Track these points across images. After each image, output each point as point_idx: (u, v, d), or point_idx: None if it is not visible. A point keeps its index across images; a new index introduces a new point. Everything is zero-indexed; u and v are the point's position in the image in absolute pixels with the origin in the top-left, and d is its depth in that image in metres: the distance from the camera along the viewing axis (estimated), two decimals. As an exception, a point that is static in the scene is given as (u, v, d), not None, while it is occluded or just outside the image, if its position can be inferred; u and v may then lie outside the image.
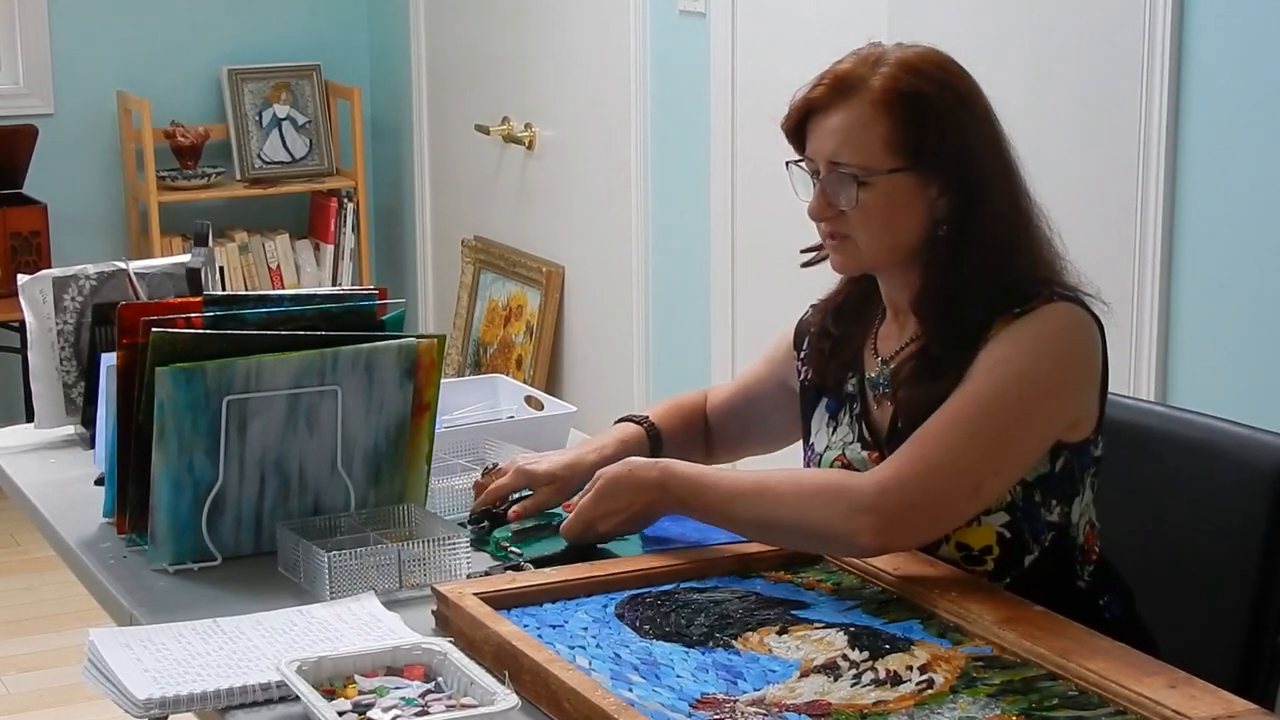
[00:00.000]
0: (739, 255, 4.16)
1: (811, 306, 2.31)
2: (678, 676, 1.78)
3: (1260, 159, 2.84)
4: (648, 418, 2.36)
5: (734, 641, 1.87)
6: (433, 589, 2.00)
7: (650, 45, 4.44)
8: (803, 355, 2.28)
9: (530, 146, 5.06)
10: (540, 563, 2.12)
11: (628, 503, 2.10)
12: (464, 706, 1.72)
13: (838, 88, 2.07)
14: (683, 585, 2.02)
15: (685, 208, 4.36)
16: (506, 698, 1.70)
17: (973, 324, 2.04)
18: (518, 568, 2.11)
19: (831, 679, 1.78)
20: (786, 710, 1.71)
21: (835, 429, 2.20)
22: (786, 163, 2.14)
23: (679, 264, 4.42)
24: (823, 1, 3.82)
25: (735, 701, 1.73)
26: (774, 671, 1.80)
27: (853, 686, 1.76)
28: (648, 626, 1.91)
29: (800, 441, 2.32)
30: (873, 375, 2.17)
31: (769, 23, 4.00)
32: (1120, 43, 3.02)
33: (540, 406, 2.71)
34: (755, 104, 4.06)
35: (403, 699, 1.74)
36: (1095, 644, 1.80)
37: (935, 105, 2.05)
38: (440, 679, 1.79)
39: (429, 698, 1.74)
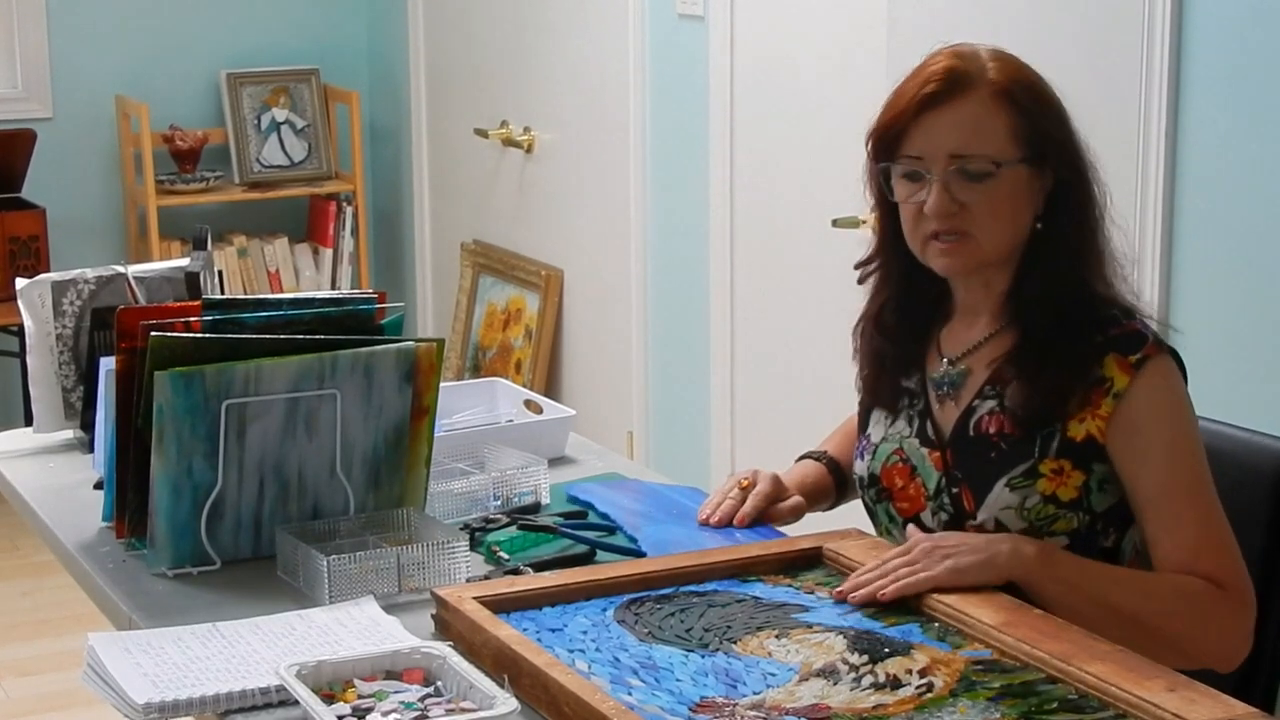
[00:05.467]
0: (738, 258, 4.16)
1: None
2: (677, 680, 1.78)
3: (1260, 161, 2.84)
4: (825, 452, 2.38)
5: (733, 645, 1.87)
6: (432, 593, 1.99)
7: (649, 48, 4.44)
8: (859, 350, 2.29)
9: (529, 150, 5.06)
10: (538, 567, 2.13)
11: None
12: (463, 710, 1.72)
13: (954, 81, 2.06)
14: (682, 589, 2.02)
15: (684, 211, 4.36)
16: (506, 701, 1.69)
17: (1072, 334, 2.05)
18: (516, 571, 2.11)
19: (831, 683, 1.78)
20: (786, 714, 1.71)
21: (893, 422, 2.21)
22: (880, 166, 2.12)
23: (678, 267, 4.42)
24: (821, 3, 3.82)
25: (735, 705, 1.73)
26: (773, 675, 1.79)
27: (852, 690, 1.76)
28: (647, 630, 1.91)
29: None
30: (936, 375, 2.17)
31: (767, 26, 4.00)
32: (1119, 43, 3.02)
33: (539, 410, 2.71)
34: (754, 107, 4.06)
35: (402, 703, 1.74)
36: (1095, 647, 1.80)
37: (1045, 95, 2.08)
38: (439, 683, 1.79)
39: (428, 702, 1.74)
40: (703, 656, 1.84)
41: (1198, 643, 1.98)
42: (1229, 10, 2.88)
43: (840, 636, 1.88)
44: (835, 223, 3.67)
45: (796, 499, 2.29)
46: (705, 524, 2.25)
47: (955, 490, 2.11)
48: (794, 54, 3.92)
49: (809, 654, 1.84)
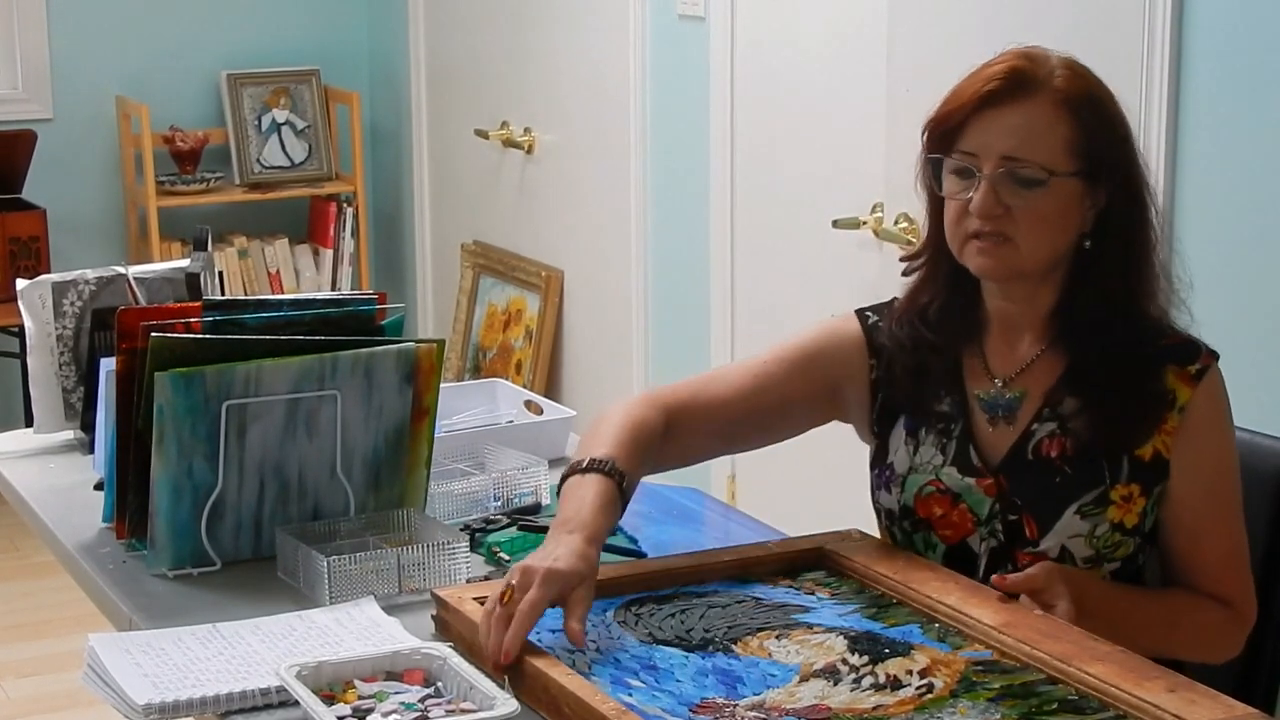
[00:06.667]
0: (738, 259, 4.16)
1: (873, 311, 2.19)
2: (677, 681, 1.78)
3: (1260, 162, 2.84)
4: (617, 467, 2.00)
5: (733, 646, 1.87)
6: (432, 593, 1.99)
7: (649, 49, 4.44)
8: (881, 365, 2.15)
9: (529, 151, 5.06)
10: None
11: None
12: (463, 711, 1.72)
13: (1018, 83, 2.01)
14: (682, 590, 2.02)
15: (684, 211, 4.36)
16: (506, 703, 1.69)
17: (1125, 351, 2.02)
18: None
19: (831, 683, 1.78)
20: (786, 714, 1.71)
21: (917, 449, 2.11)
22: (929, 157, 2.06)
23: (678, 268, 4.42)
24: (822, 5, 3.82)
25: (735, 706, 1.73)
26: (773, 676, 1.79)
27: (852, 691, 1.76)
28: (647, 631, 1.91)
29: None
30: (986, 395, 2.09)
31: (768, 27, 4.00)
32: (1120, 44, 3.02)
33: (539, 411, 2.71)
34: (754, 108, 4.06)
35: (402, 704, 1.74)
36: (1095, 648, 1.79)
37: (1109, 112, 2.04)
38: (440, 684, 1.79)
39: (428, 702, 1.74)
40: (703, 657, 1.84)
41: (1200, 659, 2.01)
42: (1229, 12, 2.88)
43: (840, 637, 1.88)
44: (835, 223, 3.67)
45: (581, 590, 1.85)
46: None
47: (1013, 517, 2.05)
48: (795, 55, 3.92)
49: (809, 654, 1.84)
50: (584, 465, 2.00)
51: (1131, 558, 2.06)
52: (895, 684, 1.77)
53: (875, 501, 2.18)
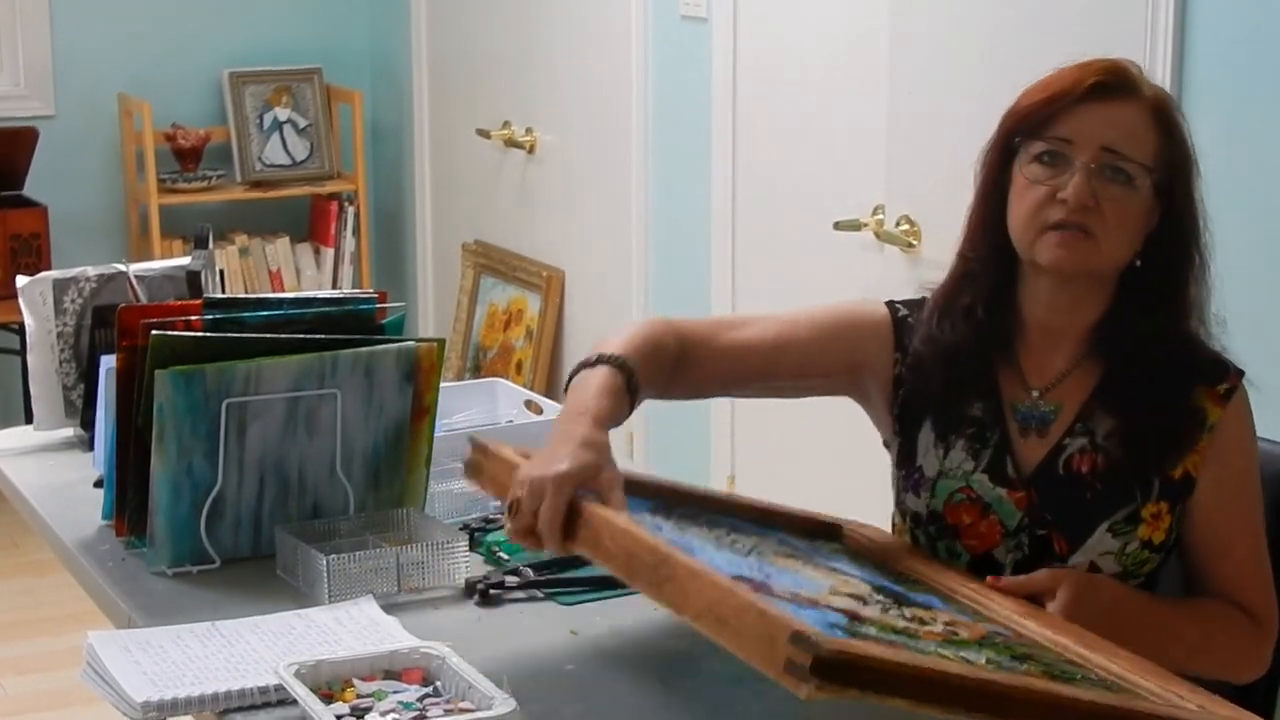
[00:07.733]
0: (739, 260, 4.16)
1: (905, 305, 2.14)
2: (713, 562, 1.71)
3: (1262, 162, 2.84)
4: (627, 364, 1.98)
5: (764, 557, 1.86)
6: (470, 438, 1.96)
7: (651, 50, 4.44)
8: (908, 360, 2.10)
9: (531, 151, 5.06)
10: (538, 567, 2.12)
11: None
12: (462, 711, 1.72)
13: (1123, 81, 2.00)
14: (707, 515, 1.99)
15: (685, 212, 4.36)
16: (504, 702, 1.69)
17: (1158, 369, 2.01)
18: (516, 572, 2.11)
19: (860, 604, 1.77)
20: (819, 607, 1.69)
21: (947, 453, 2.07)
22: (1016, 139, 2.01)
23: (679, 268, 4.42)
24: (823, 6, 3.82)
25: (770, 586, 1.71)
26: (806, 584, 1.79)
27: (883, 612, 1.76)
28: (687, 523, 1.89)
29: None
30: (1021, 406, 2.06)
31: (770, 28, 4.00)
32: (1121, 45, 3.02)
33: (539, 411, 2.71)
34: (756, 109, 4.06)
35: (400, 703, 1.74)
36: (1116, 650, 1.79)
37: (1185, 137, 2.03)
38: (438, 683, 1.78)
39: (427, 702, 1.74)
40: (734, 554, 1.82)
41: (1228, 676, 2.01)
42: (1231, 16, 2.87)
43: (865, 584, 1.88)
44: (837, 225, 3.67)
45: (604, 475, 1.80)
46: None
47: (1042, 531, 2.03)
48: (797, 56, 3.92)
49: (836, 583, 1.84)
50: (593, 360, 1.97)
51: (1154, 572, 2.06)
52: (920, 622, 1.77)
53: (900, 503, 2.14)
